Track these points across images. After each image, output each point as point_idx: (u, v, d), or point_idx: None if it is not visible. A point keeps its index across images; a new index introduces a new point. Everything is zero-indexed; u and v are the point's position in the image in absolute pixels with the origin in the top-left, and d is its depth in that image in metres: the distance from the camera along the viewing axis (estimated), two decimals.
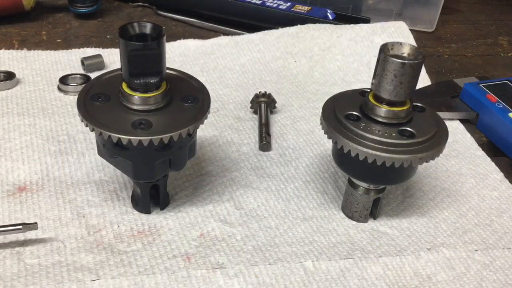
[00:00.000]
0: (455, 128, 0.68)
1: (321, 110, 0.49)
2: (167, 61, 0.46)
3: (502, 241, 0.52)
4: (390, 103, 0.45)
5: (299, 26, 0.82)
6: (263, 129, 0.62)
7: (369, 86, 0.47)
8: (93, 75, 0.70)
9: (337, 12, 0.88)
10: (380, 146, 0.44)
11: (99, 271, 0.45)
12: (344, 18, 0.87)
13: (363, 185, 0.50)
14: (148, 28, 0.44)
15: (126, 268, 0.45)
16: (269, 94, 0.67)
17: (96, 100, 0.45)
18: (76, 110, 0.45)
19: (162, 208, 0.52)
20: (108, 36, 0.84)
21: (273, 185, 0.56)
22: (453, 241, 0.51)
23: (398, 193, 0.57)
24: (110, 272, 0.45)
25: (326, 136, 0.47)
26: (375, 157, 0.44)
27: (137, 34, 0.44)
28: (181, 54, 0.78)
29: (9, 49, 0.75)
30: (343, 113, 0.47)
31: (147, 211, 0.51)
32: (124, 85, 0.45)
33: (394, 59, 0.43)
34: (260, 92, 0.67)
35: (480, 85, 0.71)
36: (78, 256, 0.46)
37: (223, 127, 0.64)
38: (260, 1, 0.89)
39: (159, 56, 0.43)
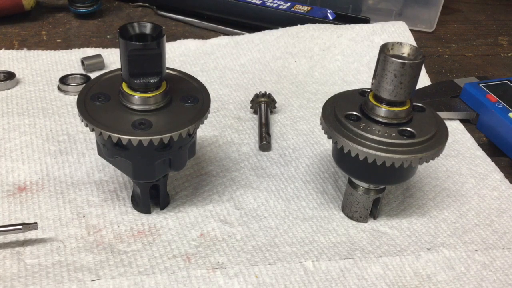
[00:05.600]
0: (455, 128, 0.68)
1: (321, 110, 0.49)
2: (167, 61, 0.46)
3: (502, 241, 0.52)
4: (390, 103, 0.45)
5: (299, 26, 0.82)
6: (263, 129, 0.62)
7: (369, 86, 0.47)
8: (93, 75, 0.70)
9: (337, 12, 0.88)
10: (380, 146, 0.44)
11: (99, 271, 0.45)
12: (344, 18, 0.87)
13: (363, 185, 0.50)
14: (148, 28, 0.44)
15: (126, 268, 0.45)
16: (269, 94, 0.67)
17: (96, 100, 0.45)
18: (76, 110, 0.45)
19: (162, 208, 0.52)
20: (108, 36, 0.84)
21: (273, 185, 0.56)
22: (453, 241, 0.51)
23: (398, 193, 0.57)
24: (110, 272, 0.45)
25: (326, 136, 0.47)
26: (375, 157, 0.44)
27: (137, 34, 0.44)
28: (181, 54, 0.78)
29: (9, 49, 0.75)
30: (343, 113, 0.47)
31: (147, 211, 0.51)
32: (124, 85, 0.45)
33: (394, 59, 0.43)
34: (260, 92, 0.67)
35: (480, 85, 0.71)
36: (78, 256, 0.46)
37: (223, 127, 0.64)
38: (260, 1, 0.89)
39: (159, 56, 0.43)
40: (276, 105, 0.69)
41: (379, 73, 0.44)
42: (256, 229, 0.51)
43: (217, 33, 0.88)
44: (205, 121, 0.47)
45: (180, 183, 0.55)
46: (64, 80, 0.68)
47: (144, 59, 0.43)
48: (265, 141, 0.61)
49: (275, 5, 0.88)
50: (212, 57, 0.78)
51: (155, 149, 0.45)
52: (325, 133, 0.47)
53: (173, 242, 0.48)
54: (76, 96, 0.46)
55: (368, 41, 0.80)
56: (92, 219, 0.50)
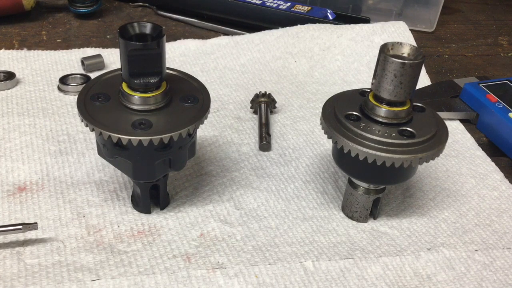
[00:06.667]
0: (455, 128, 0.68)
1: (321, 110, 0.49)
2: (167, 61, 0.46)
3: (502, 241, 0.52)
4: (390, 103, 0.45)
5: (299, 26, 0.82)
6: (263, 129, 0.62)
7: (369, 86, 0.47)
8: (93, 75, 0.70)
9: (337, 12, 0.88)
10: (380, 146, 0.44)
11: (99, 271, 0.45)
12: (344, 18, 0.87)
13: (363, 185, 0.50)
14: (148, 28, 0.44)
15: (126, 268, 0.45)
16: (269, 94, 0.67)
17: (96, 100, 0.45)
18: (76, 110, 0.45)
19: (162, 208, 0.52)
20: (108, 36, 0.84)
21: (273, 185, 0.56)
22: (453, 241, 0.51)
23: (398, 193, 0.57)
24: (110, 272, 0.45)
25: (326, 136, 0.47)
26: (375, 157, 0.44)
27: (137, 34, 0.44)
28: (181, 54, 0.78)
29: (9, 49, 0.75)
30: (343, 113, 0.47)
31: (147, 211, 0.51)
32: (124, 85, 0.45)
33: (394, 59, 0.43)
34: (260, 92, 0.67)
35: (480, 85, 0.71)
36: (78, 256, 0.46)
37: (223, 127, 0.64)
38: (260, 1, 0.89)
39: (159, 56, 0.43)
40: (276, 105, 0.69)
41: (379, 73, 0.44)
42: (256, 229, 0.51)
43: (217, 33, 0.88)
44: (205, 121, 0.47)
45: (180, 183, 0.55)
46: (64, 80, 0.68)
47: (144, 59, 0.43)
48: (265, 141, 0.61)
49: (275, 5, 0.88)
50: (212, 57, 0.78)
51: (155, 149, 0.45)
52: (325, 133, 0.47)
53: (173, 242, 0.48)
54: (76, 96, 0.46)
55: (368, 41, 0.80)
56: (92, 219, 0.50)
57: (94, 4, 0.87)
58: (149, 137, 0.42)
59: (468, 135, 0.67)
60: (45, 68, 0.72)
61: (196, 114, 0.45)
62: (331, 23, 0.85)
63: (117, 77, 0.48)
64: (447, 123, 0.50)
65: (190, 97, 0.47)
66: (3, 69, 0.70)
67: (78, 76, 0.69)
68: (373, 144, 0.44)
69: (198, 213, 0.52)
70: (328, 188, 0.56)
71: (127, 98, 0.45)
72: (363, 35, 0.81)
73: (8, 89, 0.67)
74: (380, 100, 0.45)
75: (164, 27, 0.45)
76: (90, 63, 0.72)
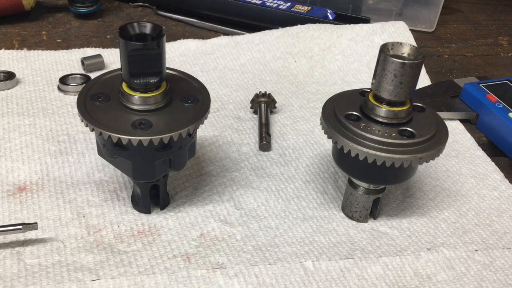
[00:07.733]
0: (455, 128, 0.68)
1: (321, 110, 0.49)
2: (167, 61, 0.46)
3: (502, 241, 0.52)
4: (390, 103, 0.45)
5: (299, 26, 0.82)
6: (263, 129, 0.62)
7: (369, 86, 0.47)
8: (93, 75, 0.70)
9: (337, 12, 0.88)
10: (380, 146, 0.44)
11: (99, 271, 0.45)
12: (344, 18, 0.87)
13: (363, 185, 0.50)
14: (148, 28, 0.44)
15: (126, 268, 0.45)
16: (269, 94, 0.67)
17: (96, 100, 0.45)
18: (76, 110, 0.45)
19: (162, 208, 0.52)
20: (108, 36, 0.84)
21: (273, 185, 0.56)
22: (453, 241, 0.51)
23: (398, 193, 0.57)
24: (110, 272, 0.45)
25: (326, 136, 0.47)
26: (375, 157, 0.44)
27: (137, 34, 0.44)
28: (181, 54, 0.78)
29: (9, 49, 0.75)
30: (343, 113, 0.47)
31: (147, 211, 0.51)
32: (124, 85, 0.45)
33: (394, 59, 0.43)
34: (260, 92, 0.67)
35: (480, 85, 0.71)
36: (78, 256, 0.46)
37: (223, 127, 0.64)
38: (260, 1, 0.89)
39: (159, 56, 0.43)
40: (276, 105, 0.69)
41: (379, 73, 0.44)
42: (256, 229, 0.51)
43: (217, 33, 0.88)
44: (205, 121, 0.47)
45: (180, 183, 0.55)
46: (64, 80, 0.68)
47: (144, 59, 0.43)
48: (265, 141, 0.61)
49: (275, 5, 0.88)
50: (212, 57, 0.78)
51: (155, 149, 0.45)
52: (325, 133, 0.47)
53: (173, 242, 0.48)
54: (76, 96, 0.46)
55: (368, 41, 0.80)
56: (92, 219, 0.50)
57: (94, 4, 0.87)
58: (149, 137, 0.42)
59: (468, 135, 0.67)
60: (45, 68, 0.72)
61: (196, 114, 0.45)
62: (331, 23, 0.85)
63: (117, 77, 0.48)
64: (447, 123, 0.50)
65: (190, 97, 0.47)
66: (3, 69, 0.70)
67: (78, 76, 0.69)
68: (373, 144, 0.44)
69: (198, 213, 0.52)
70: (328, 188, 0.56)
71: (127, 98, 0.45)
72: (363, 35, 0.81)
73: (8, 89, 0.67)
74: (380, 100, 0.45)
75: (164, 27, 0.45)
76: (90, 63, 0.72)
